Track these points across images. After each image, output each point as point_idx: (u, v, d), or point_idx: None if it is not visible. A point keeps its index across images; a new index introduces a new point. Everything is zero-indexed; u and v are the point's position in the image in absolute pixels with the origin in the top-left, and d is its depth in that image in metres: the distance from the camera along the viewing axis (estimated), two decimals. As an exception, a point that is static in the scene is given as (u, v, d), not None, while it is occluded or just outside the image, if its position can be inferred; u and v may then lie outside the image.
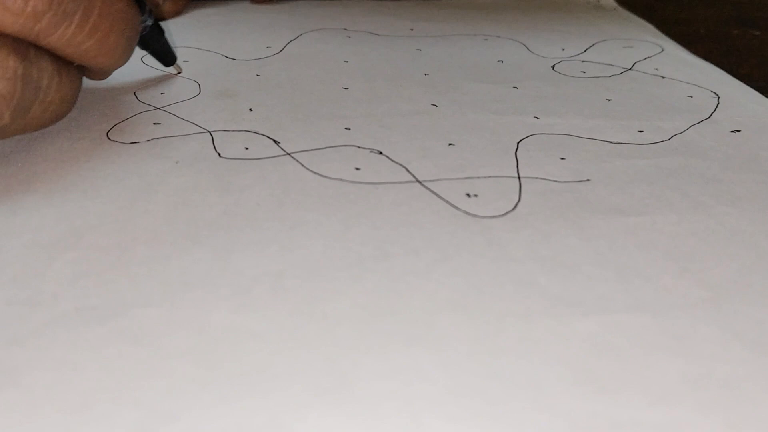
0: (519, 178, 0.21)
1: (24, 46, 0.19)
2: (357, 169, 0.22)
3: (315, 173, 0.21)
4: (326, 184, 0.21)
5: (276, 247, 0.18)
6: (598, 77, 0.30)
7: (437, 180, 0.21)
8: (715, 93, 0.28)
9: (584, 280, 0.17)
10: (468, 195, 0.20)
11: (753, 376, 0.14)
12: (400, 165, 0.22)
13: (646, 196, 0.20)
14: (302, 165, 0.22)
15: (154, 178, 0.21)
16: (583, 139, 0.24)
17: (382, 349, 0.15)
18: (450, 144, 0.23)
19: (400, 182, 0.21)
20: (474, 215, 0.19)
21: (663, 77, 0.30)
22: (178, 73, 0.29)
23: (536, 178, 0.21)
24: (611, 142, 0.24)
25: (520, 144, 0.23)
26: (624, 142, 0.24)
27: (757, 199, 0.20)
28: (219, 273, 0.17)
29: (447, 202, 0.20)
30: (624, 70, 0.31)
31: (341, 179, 0.21)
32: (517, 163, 0.22)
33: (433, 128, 0.25)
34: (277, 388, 0.14)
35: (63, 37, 0.19)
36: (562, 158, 0.23)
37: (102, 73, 0.23)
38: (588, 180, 0.21)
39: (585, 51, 0.33)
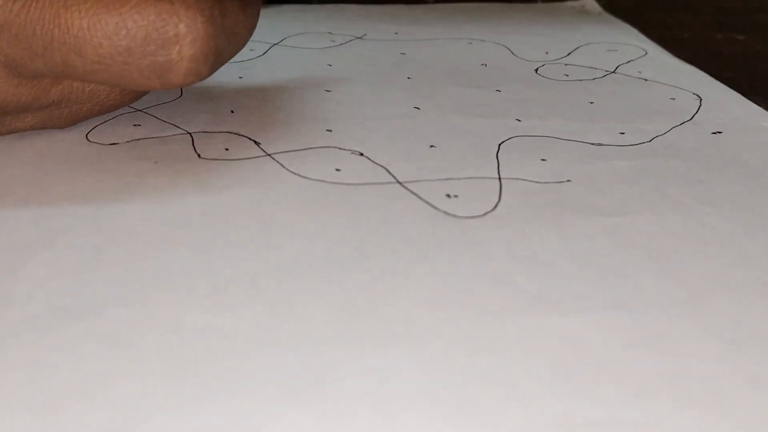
0: (500, 179, 0.21)
1: None
2: (337, 170, 0.21)
3: (295, 174, 0.21)
4: (306, 184, 0.21)
5: (254, 248, 0.18)
6: (581, 80, 0.30)
7: (417, 181, 0.21)
8: (697, 95, 0.28)
9: (563, 279, 0.17)
10: (448, 196, 0.20)
11: (729, 373, 0.14)
12: (381, 166, 0.22)
13: (626, 197, 0.20)
14: (282, 166, 0.22)
15: (133, 179, 0.21)
16: (565, 141, 0.24)
17: (358, 348, 0.15)
18: (431, 146, 0.23)
19: (381, 183, 0.21)
20: (454, 215, 0.19)
21: (646, 80, 0.30)
22: None
23: (516, 179, 0.21)
24: (592, 144, 0.24)
25: (501, 146, 0.23)
26: (605, 144, 0.24)
27: (737, 200, 0.21)
28: (195, 273, 0.17)
29: (427, 202, 0.20)
30: (607, 73, 0.31)
31: (321, 180, 0.21)
32: (498, 165, 0.22)
33: (415, 131, 0.25)
34: (251, 388, 0.13)
35: None
36: (543, 159, 0.23)
37: None
38: (568, 181, 0.21)
39: (568, 54, 0.34)
